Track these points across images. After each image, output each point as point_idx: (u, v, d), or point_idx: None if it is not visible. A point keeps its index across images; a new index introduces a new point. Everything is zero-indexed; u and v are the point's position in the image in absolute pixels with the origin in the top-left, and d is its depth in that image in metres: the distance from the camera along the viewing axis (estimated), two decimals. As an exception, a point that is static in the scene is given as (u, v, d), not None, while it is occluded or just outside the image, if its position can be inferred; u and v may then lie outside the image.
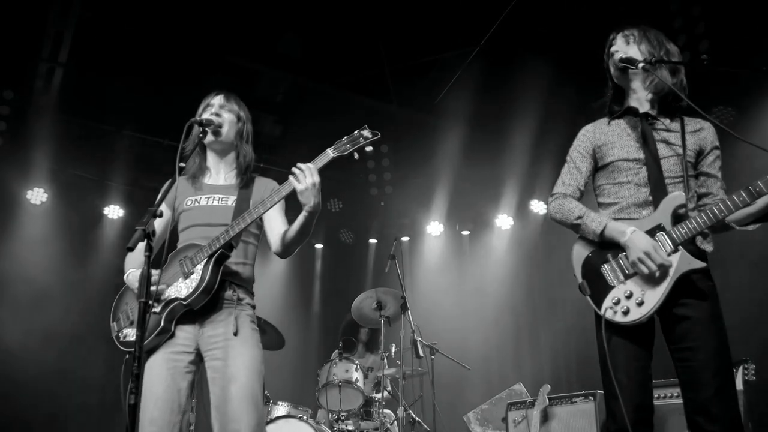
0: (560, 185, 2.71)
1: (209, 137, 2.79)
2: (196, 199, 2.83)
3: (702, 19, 5.17)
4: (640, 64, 2.50)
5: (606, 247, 2.49)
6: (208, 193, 2.84)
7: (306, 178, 2.50)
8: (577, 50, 5.50)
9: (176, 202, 2.88)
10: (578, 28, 5.59)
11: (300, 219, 2.65)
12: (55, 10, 5.32)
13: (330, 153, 2.57)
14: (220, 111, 2.85)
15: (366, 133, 2.58)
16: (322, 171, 2.56)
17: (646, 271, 2.33)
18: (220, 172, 2.92)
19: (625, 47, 2.62)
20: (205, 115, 2.82)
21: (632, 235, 2.38)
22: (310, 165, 2.51)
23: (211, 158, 2.94)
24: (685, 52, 5.17)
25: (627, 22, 2.71)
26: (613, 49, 2.65)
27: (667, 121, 2.58)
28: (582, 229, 2.54)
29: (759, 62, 4.95)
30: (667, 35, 2.68)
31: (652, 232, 2.39)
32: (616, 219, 2.51)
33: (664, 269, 2.32)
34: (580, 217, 2.55)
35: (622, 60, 2.56)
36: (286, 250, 2.77)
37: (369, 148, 2.59)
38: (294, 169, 2.51)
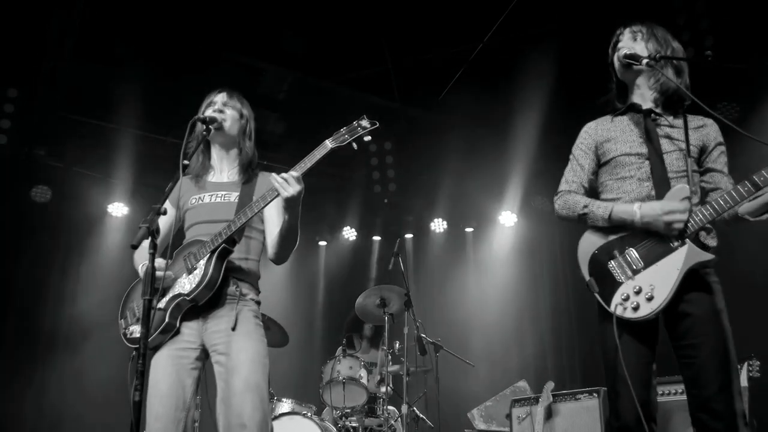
0: (564, 183, 2.72)
1: (212, 133, 2.79)
2: (200, 197, 2.85)
3: (706, 16, 5.16)
4: (644, 60, 2.49)
5: (612, 243, 2.48)
6: (211, 190, 2.86)
7: (290, 187, 2.46)
8: (579, 47, 5.49)
9: (181, 201, 2.90)
10: (582, 24, 5.58)
11: (284, 225, 2.64)
12: (59, 9, 5.33)
13: (328, 144, 2.53)
14: (223, 108, 2.87)
15: (364, 122, 2.54)
16: (321, 162, 2.53)
17: (681, 225, 2.31)
18: (224, 170, 2.93)
19: (632, 43, 2.61)
20: (208, 112, 2.83)
21: (642, 211, 2.37)
22: (293, 173, 2.47)
23: (214, 155, 2.95)
24: (689, 48, 5.15)
25: (634, 18, 2.70)
26: (619, 44, 2.64)
27: (671, 117, 2.57)
28: (590, 218, 2.53)
29: (763, 58, 4.93)
30: (671, 31, 2.67)
31: None
32: None
33: (672, 261, 2.31)
34: (586, 206, 2.54)
35: (626, 56, 2.55)
36: (277, 257, 2.77)
37: (368, 138, 2.54)
38: (278, 178, 2.47)
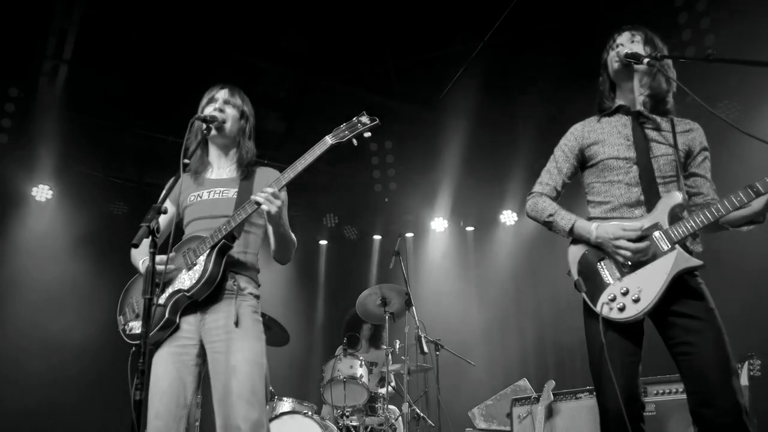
0: (538, 185, 2.76)
1: (212, 132, 2.78)
2: (198, 194, 2.84)
3: (707, 14, 5.16)
4: (645, 60, 2.49)
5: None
6: (210, 187, 2.85)
7: (272, 203, 2.49)
8: (581, 46, 5.49)
9: (180, 198, 2.88)
10: (584, 23, 5.58)
11: (272, 234, 2.70)
12: (60, 8, 5.33)
13: (328, 140, 2.52)
14: (224, 106, 2.84)
15: (364, 119, 2.53)
16: (321, 159, 2.53)
17: (627, 254, 2.35)
18: (222, 167, 2.92)
19: (630, 44, 2.61)
20: (208, 111, 2.82)
21: (598, 231, 2.44)
22: (269, 189, 2.50)
23: (212, 153, 2.94)
24: (690, 47, 5.16)
25: (630, 22, 2.71)
26: (618, 41, 2.64)
27: (658, 120, 2.59)
28: (553, 227, 2.61)
29: (764, 56, 4.92)
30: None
31: (649, 231, 2.39)
32: (607, 218, 2.52)
33: (661, 265, 2.32)
34: (551, 215, 2.61)
35: (627, 54, 2.55)
36: (277, 258, 2.82)
37: (368, 134, 2.54)
38: (258, 198, 2.49)
